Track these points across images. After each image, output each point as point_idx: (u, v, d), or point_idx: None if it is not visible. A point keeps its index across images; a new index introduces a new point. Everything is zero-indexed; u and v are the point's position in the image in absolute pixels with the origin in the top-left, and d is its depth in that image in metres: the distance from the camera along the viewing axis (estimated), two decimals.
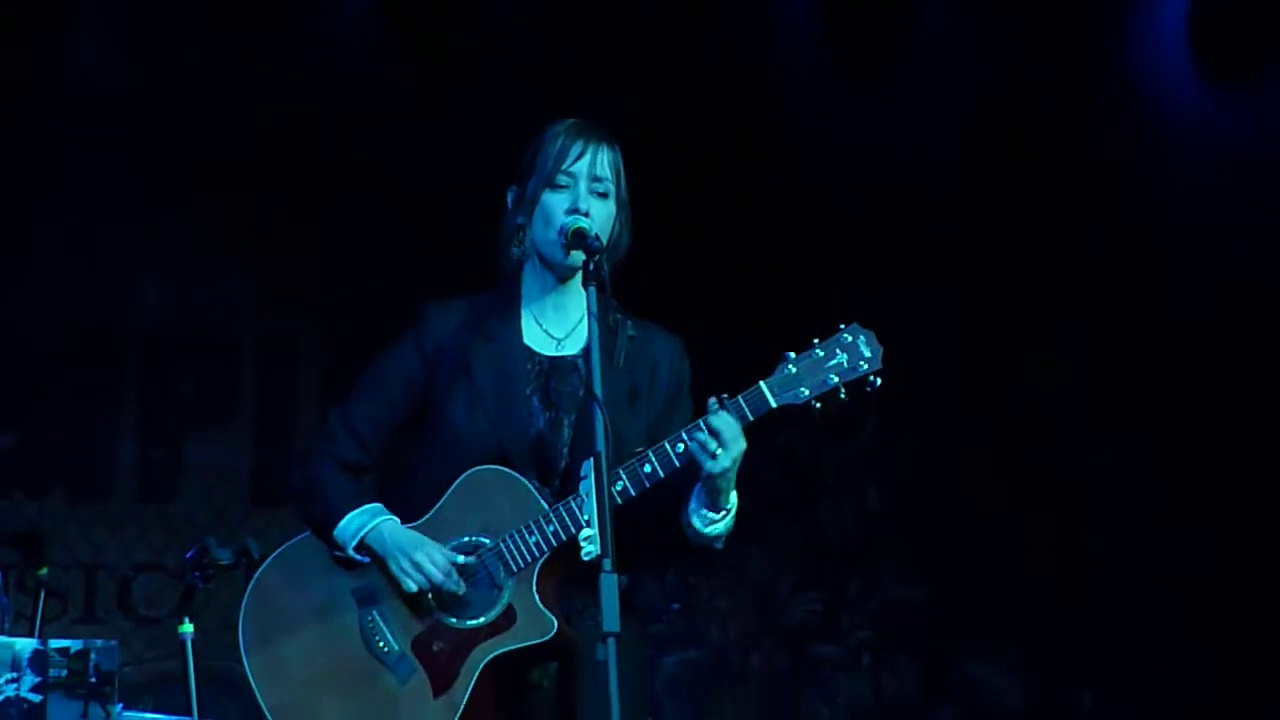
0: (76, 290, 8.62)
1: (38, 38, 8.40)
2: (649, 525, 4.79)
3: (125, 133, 8.41)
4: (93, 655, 5.07)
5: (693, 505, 4.84)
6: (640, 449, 4.80)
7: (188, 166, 8.45)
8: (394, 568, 4.84)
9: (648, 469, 4.76)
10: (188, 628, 6.33)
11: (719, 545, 4.90)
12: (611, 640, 4.31)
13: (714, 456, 4.72)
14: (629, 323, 4.99)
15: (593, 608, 4.40)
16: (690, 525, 4.84)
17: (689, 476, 4.79)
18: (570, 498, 4.76)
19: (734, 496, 4.85)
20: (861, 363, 4.82)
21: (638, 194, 5.04)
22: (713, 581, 8.94)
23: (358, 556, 4.89)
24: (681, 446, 4.76)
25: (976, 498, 8.94)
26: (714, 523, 4.84)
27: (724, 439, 4.73)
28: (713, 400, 4.78)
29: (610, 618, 4.32)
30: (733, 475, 4.78)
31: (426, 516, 4.88)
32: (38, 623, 6.55)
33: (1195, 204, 8.91)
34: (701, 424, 4.74)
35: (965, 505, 8.93)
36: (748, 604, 9.00)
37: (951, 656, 9.06)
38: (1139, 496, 8.91)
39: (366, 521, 4.88)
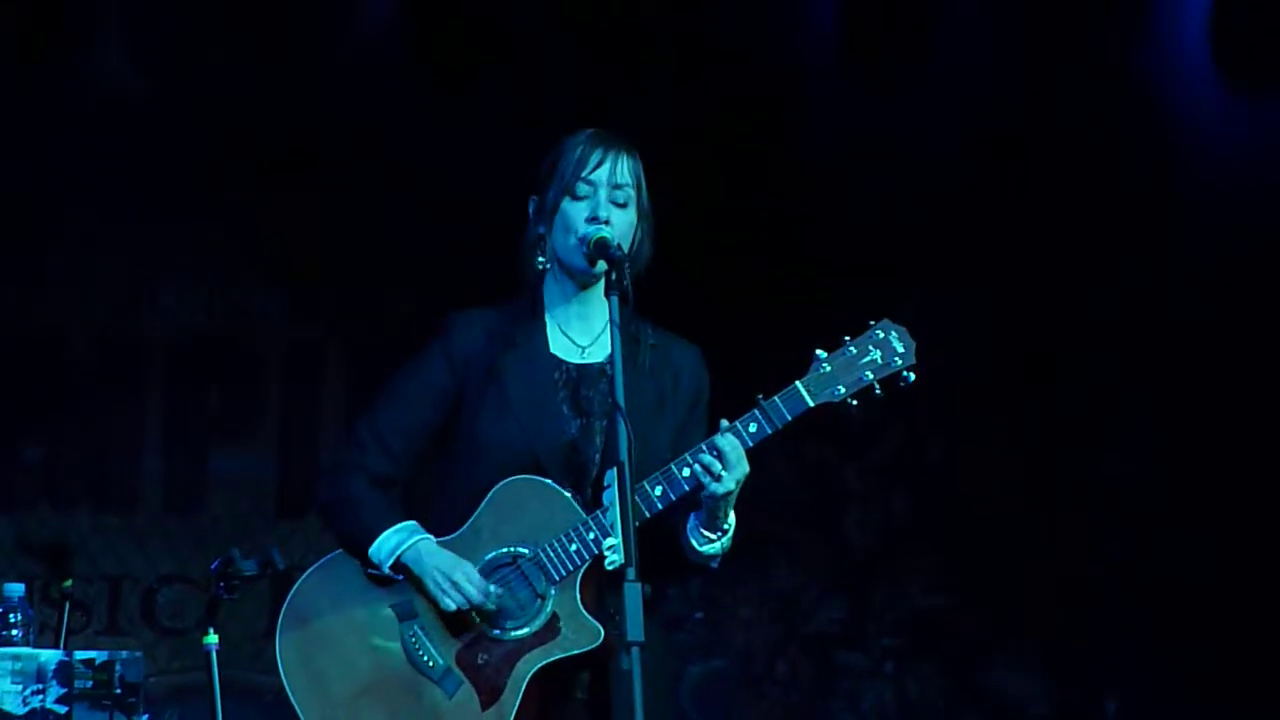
0: (99, 302, 8.62)
1: (59, 47, 8.41)
2: (656, 540, 4.78)
3: (148, 142, 8.41)
4: (118, 667, 5.08)
5: (691, 524, 4.85)
6: (669, 456, 4.81)
7: (211, 176, 8.45)
8: (432, 588, 4.84)
9: (686, 472, 4.77)
10: (212, 639, 6.31)
11: (715, 564, 4.91)
12: (635, 650, 4.32)
13: (718, 479, 4.74)
14: (649, 330, 5.00)
15: (620, 615, 4.41)
16: (689, 544, 4.85)
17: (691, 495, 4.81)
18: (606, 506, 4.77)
19: (732, 517, 4.86)
20: (896, 358, 4.84)
21: (655, 193, 5.04)
22: (737, 590, 8.93)
23: (393, 575, 4.89)
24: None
25: (1001, 505, 8.92)
26: (710, 542, 4.85)
27: (729, 461, 4.75)
28: (724, 421, 4.79)
29: (634, 627, 4.33)
30: (734, 498, 4.80)
31: (462, 530, 4.88)
32: (63, 634, 6.56)
33: (1214, 208, 8.88)
34: (705, 445, 4.76)
35: (989, 512, 8.91)
36: (772, 612, 8.99)
37: (976, 664, 9.04)
38: (1165, 502, 8.89)
39: (403, 540, 4.88)
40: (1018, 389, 8.92)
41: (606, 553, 4.64)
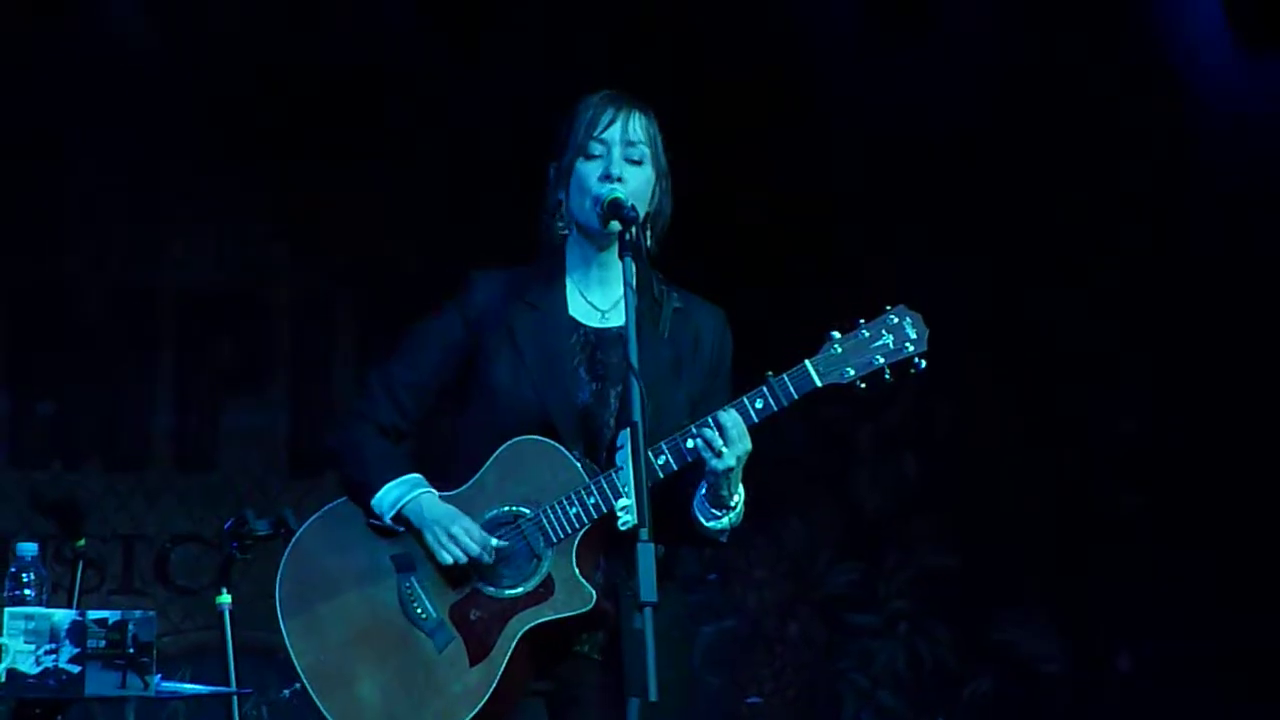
0: (110, 256, 8.62)
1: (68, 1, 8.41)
2: (666, 513, 4.76)
3: (158, 95, 8.41)
4: (131, 626, 5.07)
5: (698, 499, 4.83)
6: (685, 422, 4.80)
7: (222, 129, 8.44)
8: (430, 540, 4.84)
9: (690, 444, 4.76)
10: (226, 598, 6.36)
11: (724, 539, 4.90)
12: (648, 610, 4.31)
13: (719, 455, 4.72)
14: (674, 294, 4.98)
15: (633, 577, 4.40)
16: (696, 519, 4.85)
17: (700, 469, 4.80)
18: (612, 470, 4.76)
19: (739, 496, 4.84)
20: (907, 344, 4.83)
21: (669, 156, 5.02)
22: (750, 551, 8.94)
23: (394, 526, 4.90)
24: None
25: (1011, 464, 8.93)
26: (717, 519, 4.84)
27: (730, 437, 4.72)
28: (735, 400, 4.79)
29: (647, 587, 4.32)
30: (737, 474, 4.78)
31: (466, 486, 4.89)
32: (76, 593, 6.58)
33: (1225, 170, 8.87)
34: (710, 420, 4.74)
35: (1000, 472, 8.92)
36: (785, 573, 9.00)
37: (988, 624, 9.05)
38: (1172, 459, 8.89)
39: (405, 493, 4.89)
40: (1026, 348, 8.92)
41: (620, 513, 4.62)
